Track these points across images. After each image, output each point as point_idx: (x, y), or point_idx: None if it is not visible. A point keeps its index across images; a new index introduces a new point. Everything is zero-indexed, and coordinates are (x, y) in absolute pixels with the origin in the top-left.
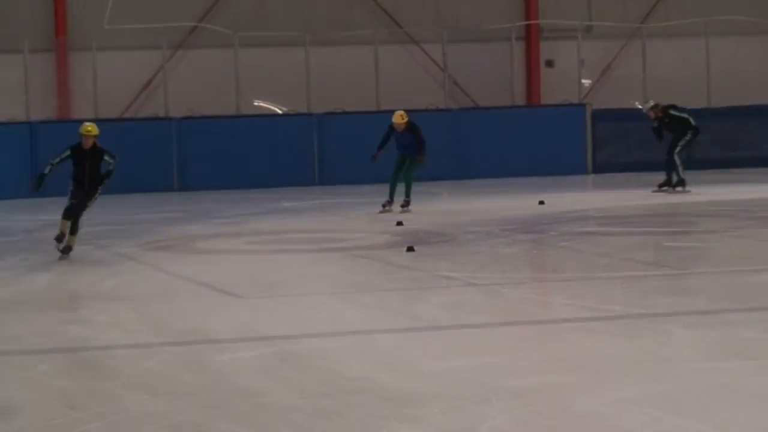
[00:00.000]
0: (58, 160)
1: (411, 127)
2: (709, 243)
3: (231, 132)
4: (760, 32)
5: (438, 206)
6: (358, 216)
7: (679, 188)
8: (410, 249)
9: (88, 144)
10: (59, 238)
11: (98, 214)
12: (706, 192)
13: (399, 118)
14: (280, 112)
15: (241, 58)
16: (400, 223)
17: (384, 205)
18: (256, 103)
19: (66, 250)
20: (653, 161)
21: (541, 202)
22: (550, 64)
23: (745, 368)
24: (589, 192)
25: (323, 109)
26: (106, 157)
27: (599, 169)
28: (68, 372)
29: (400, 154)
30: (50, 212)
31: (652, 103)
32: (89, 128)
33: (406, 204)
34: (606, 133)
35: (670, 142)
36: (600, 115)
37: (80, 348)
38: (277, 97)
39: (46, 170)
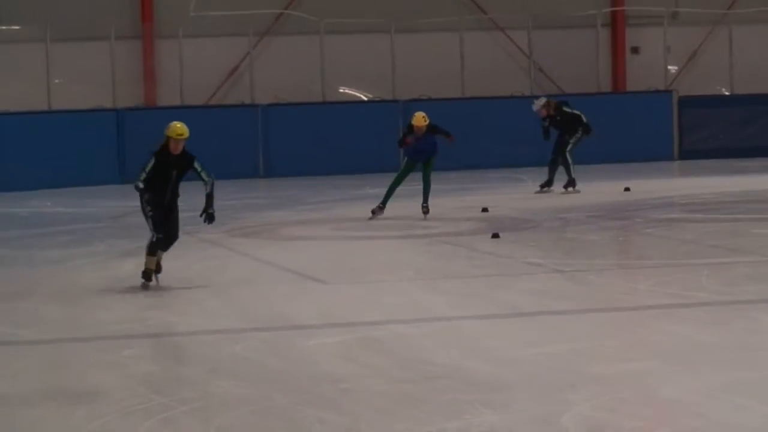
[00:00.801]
0: (145, 175)
1: (431, 128)
2: None
3: (316, 119)
4: None
5: (522, 193)
6: (443, 202)
7: (570, 188)
8: (495, 235)
9: (177, 149)
10: (147, 276)
11: (183, 200)
12: None
13: (421, 120)
14: (365, 99)
15: (327, 45)
16: (485, 210)
17: (374, 212)
18: (341, 90)
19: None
20: (739, 148)
21: (627, 189)
22: (635, 50)
23: None
24: (675, 178)
25: (408, 96)
26: (196, 165)
27: (685, 155)
28: (153, 357)
29: (409, 159)
30: (137, 198)
31: (543, 101)
32: (180, 129)
33: (426, 210)
34: (692, 120)
35: (560, 141)
36: (686, 102)
37: (165, 333)
38: (363, 84)
39: (141, 185)
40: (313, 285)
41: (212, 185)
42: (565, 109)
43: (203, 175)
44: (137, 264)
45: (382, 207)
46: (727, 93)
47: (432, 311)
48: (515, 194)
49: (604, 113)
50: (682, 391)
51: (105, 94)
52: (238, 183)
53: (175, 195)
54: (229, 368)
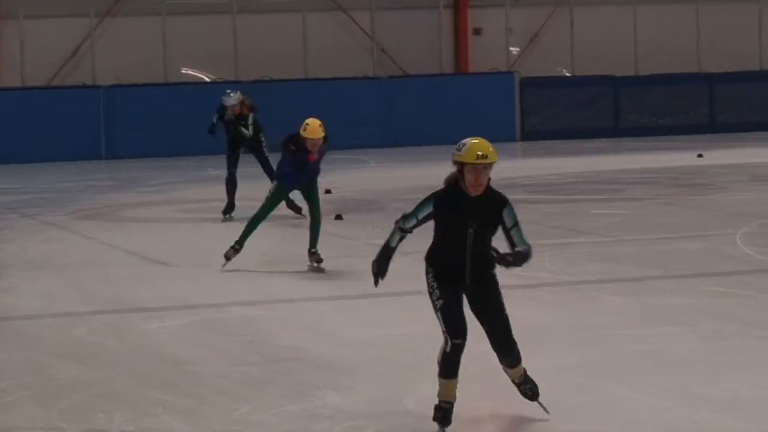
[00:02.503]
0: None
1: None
2: (636, 210)
3: (158, 100)
4: (686, 1)
5: (366, 175)
6: None
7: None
8: (339, 217)
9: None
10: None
11: (24, 182)
12: (634, 160)
13: (317, 132)
14: (207, 80)
15: (169, 25)
16: (328, 191)
17: (228, 256)
18: (183, 71)
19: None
20: (581, 129)
21: None
22: (478, 32)
23: (673, 334)
24: (517, 159)
25: (251, 77)
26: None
27: (527, 136)
28: None
29: (285, 185)
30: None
31: (240, 97)
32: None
33: (318, 258)
34: (534, 101)
35: (233, 154)
36: (528, 83)
37: (6, 317)
38: (205, 65)
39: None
40: (157, 267)
41: None
42: (255, 115)
43: None
44: None
45: (237, 249)
46: (568, 74)
47: (276, 293)
48: (359, 175)
49: (447, 94)
50: (535, 370)
51: None
52: (80, 165)
53: None
54: (71, 351)
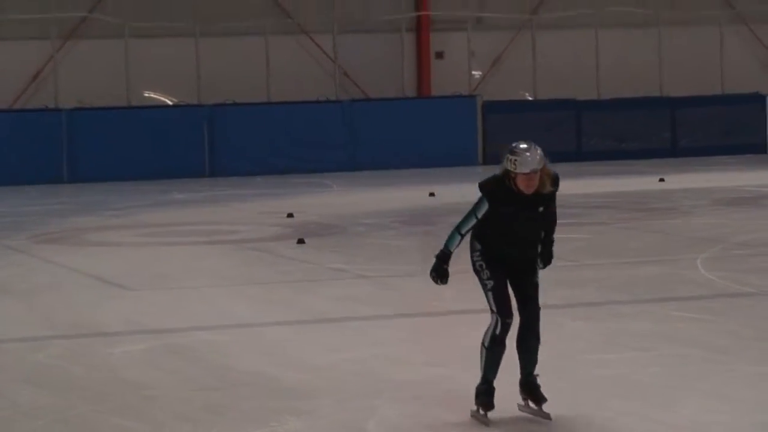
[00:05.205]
0: None
1: None
2: (598, 235)
3: (121, 123)
4: (648, 24)
5: (328, 198)
6: (248, 208)
7: None
8: (300, 241)
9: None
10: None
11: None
12: (596, 184)
13: None
14: (170, 103)
15: (132, 48)
16: (290, 215)
17: None
18: (146, 95)
19: None
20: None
21: (432, 194)
22: (440, 55)
23: (636, 359)
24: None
25: (214, 100)
26: None
27: (490, 160)
28: None
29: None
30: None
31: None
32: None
33: None
34: (496, 125)
35: None
36: (490, 107)
37: None
38: (168, 88)
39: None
40: (118, 291)
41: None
42: None
43: None
44: None
45: None
46: (530, 98)
47: (237, 318)
48: (321, 200)
49: (409, 118)
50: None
51: None
52: (42, 188)
53: None
54: (31, 377)
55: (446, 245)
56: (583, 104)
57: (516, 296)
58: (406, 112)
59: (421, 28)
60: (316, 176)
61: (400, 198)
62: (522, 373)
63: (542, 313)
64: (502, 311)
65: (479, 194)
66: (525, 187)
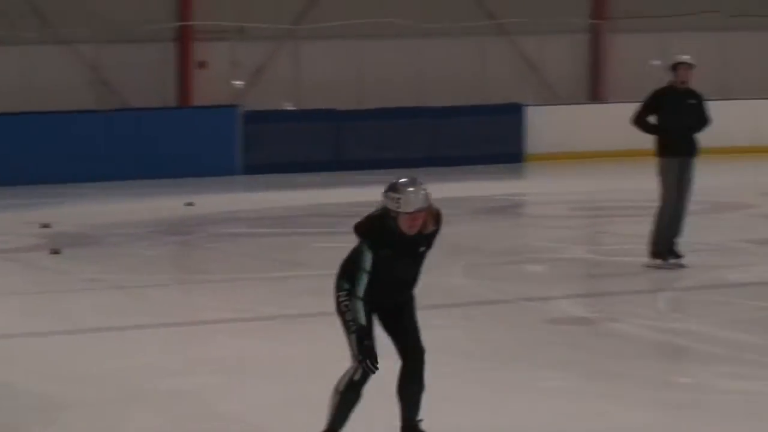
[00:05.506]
0: None
1: None
2: (354, 243)
3: None
4: (411, 35)
5: (85, 208)
6: (2, 218)
7: None
8: (55, 251)
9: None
10: None
11: None
12: (355, 193)
13: None
14: None
15: None
16: (46, 225)
17: None
18: None
19: None
20: (305, 162)
21: (190, 204)
22: (202, 65)
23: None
24: (239, 193)
25: None
26: None
27: (250, 170)
28: None
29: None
30: None
31: None
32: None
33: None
34: (257, 135)
35: None
36: (251, 117)
37: None
38: None
39: None
40: None
41: None
42: None
43: None
44: None
45: None
46: (292, 108)
47: None
48: (77, 209)
49: (169, 128)
50: (242, 405)
51: None
52: None
53: None
54: None
55: (355, 320)
56: (343, 114)
57: (395, 341)
58: (167, 121)
59: (183, 38)
60: (73, 186)
61: (157, 207)
62: (403, 418)
63: (299, 322)
64: (366, 358)
65: (358, 240)
66: (408, 227)
